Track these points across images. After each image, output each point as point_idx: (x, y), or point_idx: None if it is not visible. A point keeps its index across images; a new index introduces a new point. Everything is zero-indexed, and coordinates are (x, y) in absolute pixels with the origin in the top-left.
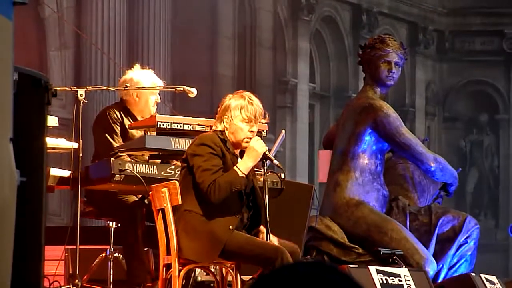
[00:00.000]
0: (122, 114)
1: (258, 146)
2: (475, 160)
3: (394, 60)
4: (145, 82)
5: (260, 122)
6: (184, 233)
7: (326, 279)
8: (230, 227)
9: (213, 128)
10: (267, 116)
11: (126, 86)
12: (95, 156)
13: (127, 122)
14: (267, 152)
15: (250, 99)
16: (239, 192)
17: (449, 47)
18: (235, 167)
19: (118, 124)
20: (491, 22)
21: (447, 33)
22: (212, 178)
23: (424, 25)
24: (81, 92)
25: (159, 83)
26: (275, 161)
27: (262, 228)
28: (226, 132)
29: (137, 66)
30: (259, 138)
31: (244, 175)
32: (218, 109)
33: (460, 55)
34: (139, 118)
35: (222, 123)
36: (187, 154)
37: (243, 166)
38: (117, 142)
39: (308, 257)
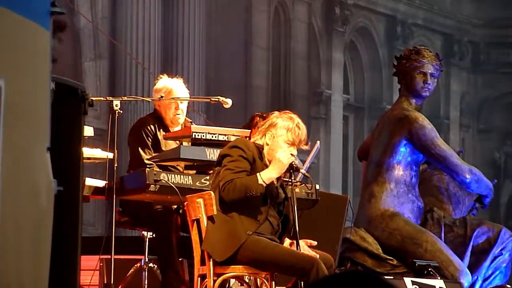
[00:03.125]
0: (155, 125)
1: (283, 157)
2: (510, 172)
3: (429, 71)
4: (162, 90)
5: (300, 147)
6: (207, 229)
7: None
8: (249, 232)
9: (252, 139)
10: (309, 144)
11: (162, 97)
12: (131, 165)
13: (160, 133)
14: (294, 162)
15: (298, 123)
16: (264, 199)
17: (484, 59)
18: (257, 174)
19: (151, 136)
20: None
21: (482, 45)
22: (230, 177)
23: (459, 37)
24: (116, 103)
25: (177, 89)
26: (302, 171)
27: (288, 241)
28: (266, 147)
29: (164, 76)
30: (286, 149)
31: (264, 184)
32: (261, 123)
33: (495, 66)
34: (170, 126)
35: (264, 137)
36: (220, 155)
37: (266, 175)
38: (148, 155)
39: (343, 268)
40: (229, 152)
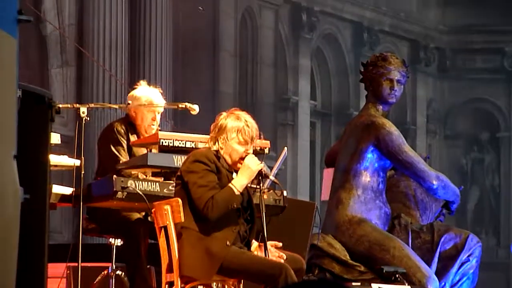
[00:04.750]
0: (127, 129)
1: (252, 164)
2: (476, 178)
3: (396, 78)
4: (143, 99)
5: (255, 143)
6: (182, 250)
7: None
8: (228, 242)
9: (207, 146)
10: (261, 136)
11: (129, 103)
12: (101, 172)
13: (132, 137)
14: (263, 169)
15: (246, 121)
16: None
17: (450, 65)
18: (230, 185)
19: (125, 138)
20: (492, 40)
21: (448, 51)
22: (209, 195)
23: (425, 43)
24: (83, 110)
25: (157, 101)
26: (271, 177)
27: (256, 244)
28: (221, 151)
29: (143, 83)
30: (253, 155)
31: (239, 193)
32: (212, 127)
33: (461, 73)
34: (143, 134)
35: (217, 143)
36: (181, 171)
37: (238, 183)
38: (123, 156)
39: (311, 274)
40: (192, 167)
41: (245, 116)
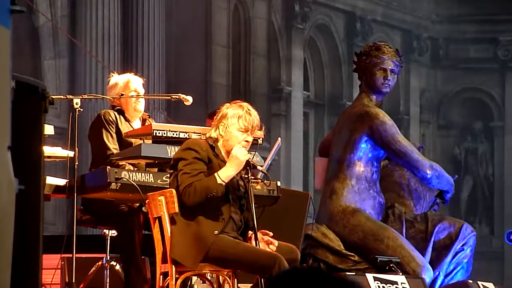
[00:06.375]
0: (116, 116)
1: (240, 154)
2: (470, 167)
3: (389, 67)
4: (120, 83)
5: (255, 134)
6: (172, 235)
7: (323, 285)
8: (216, 232)
9: (207, 135)
10: (263, 128)
11: (122, 94)
12: (93, 162)
13: (121, 122)
14: (251, 159)
15: (248, 109)
16: (225, 196)
17: (443, 55)
18: (215, 174)
19: (113, 126)
20: (485, 30)
21: (441, 41)
22: (189, 181)
23: (418, 33)
24: (76, 101)
25: (136, 80)
26: (259, 167)
27: (250, 231)
28: (221, 139)
29: (113, 75)
30: (241, 146)
31: (224, 183)
32: (215, 118)
33: (454, 62)
34: (131, 119)
35: (217, 130)
36: (173, 159)
37: (224, 174)
38: (112, 143)
39: (304, 265)
40: (183, 155)
41: (247, 105)
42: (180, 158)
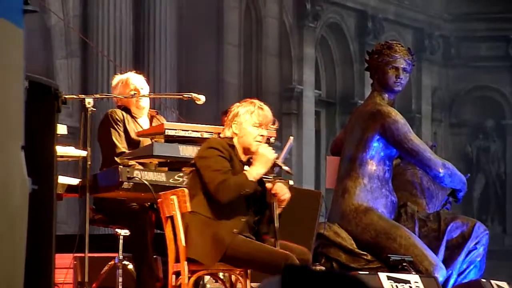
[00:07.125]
0: (123, 114)
1: (268, 153)
2: (482, 166)
3: (402, 66)
4: (121, 82)
5: (269, 129)
6: (189, 233)
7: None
8: (234, 230)
9: (221, 135)
10: (276, 123)
11: (135, 93)
12: (104, 162)
13: (128, 121)
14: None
15: (260, 105)
16: (246, 196)
17: (455, 53)
18: (245, 171)
19: (121, 124)
20: (497, 28)
21: (453, 39)
22: (222, 178)
23: (430, 31)
24: (89, 100)
25: (136, 78)
26: (285, 167)
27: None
28: (235, 137)
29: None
30: (267, 145)
31: (254, 180)
32: (226, 118)
33: (466, 60)
34: (137, 116)
35: (231, 129)
36: (195, 157)
37: (254, 171)
38: (121, 142)
39: (317, 264)
40: (207, 153)
41: (258, 102)
42: (203, 157)
